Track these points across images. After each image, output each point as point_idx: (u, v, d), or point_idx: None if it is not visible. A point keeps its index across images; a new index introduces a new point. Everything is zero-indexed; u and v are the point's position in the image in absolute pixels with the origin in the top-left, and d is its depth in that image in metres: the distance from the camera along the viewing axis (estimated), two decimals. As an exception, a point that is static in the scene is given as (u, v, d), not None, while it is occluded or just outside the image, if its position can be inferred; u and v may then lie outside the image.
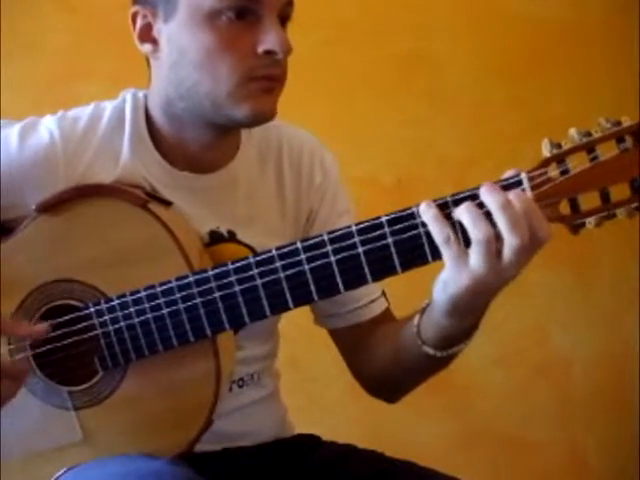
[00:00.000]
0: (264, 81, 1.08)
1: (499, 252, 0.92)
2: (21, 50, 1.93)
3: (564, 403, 2.18)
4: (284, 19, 1.10)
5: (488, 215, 0.92)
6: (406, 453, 1.22)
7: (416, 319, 1.06)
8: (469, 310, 0.99)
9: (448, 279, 0.95)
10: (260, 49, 1.06)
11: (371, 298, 1.22)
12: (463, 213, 0.92)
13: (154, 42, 1.11)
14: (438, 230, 0.93)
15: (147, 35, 1.11)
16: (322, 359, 1.96)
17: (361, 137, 2.03)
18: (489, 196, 0.92)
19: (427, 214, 0.94)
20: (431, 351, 1.05)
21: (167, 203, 1.11)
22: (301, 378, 1.88)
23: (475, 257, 0.92)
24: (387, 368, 1.18)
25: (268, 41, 1.06)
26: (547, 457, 2.16)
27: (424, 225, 0.95)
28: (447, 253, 0.94)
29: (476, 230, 0.91)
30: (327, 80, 2.01)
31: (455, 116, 2.10)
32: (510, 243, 0.90)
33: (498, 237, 0.91)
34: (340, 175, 1.26)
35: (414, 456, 1.21)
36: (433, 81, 2.11)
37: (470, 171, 2.09)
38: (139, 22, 1.11)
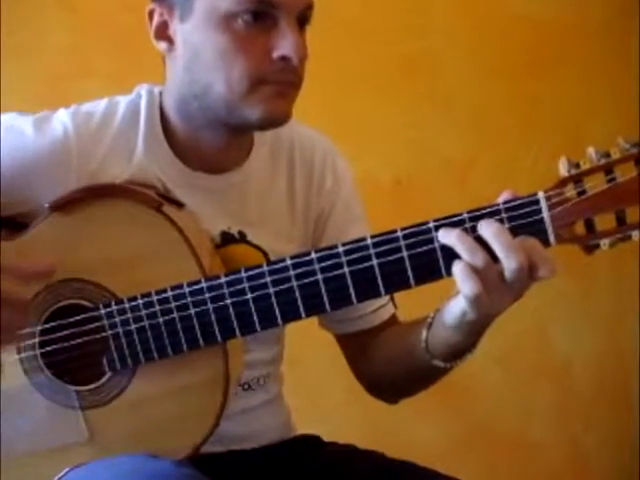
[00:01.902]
0: (277, 85, 1.07)
1: (502, 276, 0.92)
2: (21, 50, 1.92)
3: (564, 403, 2.19)
4: (303, 21, 1.10)
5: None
6: (406, 453, 1.21)
7: (423, 334, 1.06)
8: (480, 327, 1.00)
9: (468, 312, 0.96)
10: (275, 54, 1.06)
11: (380, 304, 1.22)
12: (457, 244, 0.93)
13: (170, 41, 1.11)
14: (468, 287, 0.93)
15: (163, 33, 1.11)
16: (323, 360, 1.96)
17: (361, 137, 2.02)
18: (484, 227, 0.93)
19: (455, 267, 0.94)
20: (441, 364, 1.05)
21: (180, 205, 1.11)
22: (302, 379, 1.87)
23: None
24: (392, 373, 1.18)
25: (283, 47, 1.05)
26: (547, 457, 2.17)
27: (439, 240, 0.95)
28: (472, 303, 0.94)
29: (476, 259, 0.92)
30: (327, 80, 2.00)
31: (455, 116, 2.11)
32: (508, 267, 0.91)
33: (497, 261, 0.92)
34: (353, 181, 1.26)
35: (414, 456, 1.21)
36: (433, 81, 2.11)
37: (470, 171, 2.09)
38: (156, 20, 1.11)
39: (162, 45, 1.12)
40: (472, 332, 1.00)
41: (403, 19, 2.09)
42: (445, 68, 2.11)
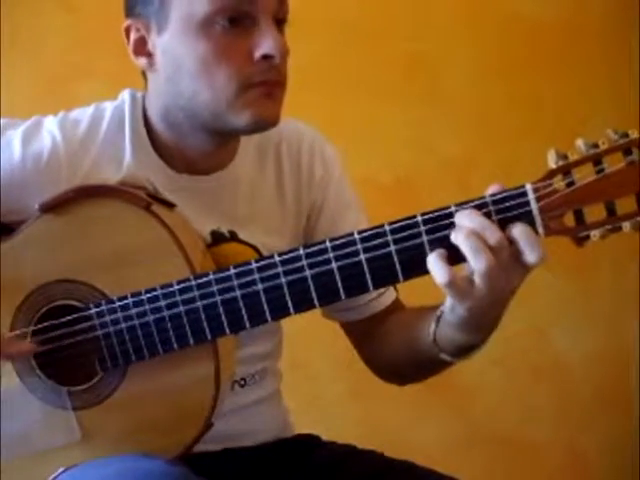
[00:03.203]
0: (263, 86, 1.07)
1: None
2: (21, 50, 1.92)
3: (564, 403, 2.18)
4: (280, 21, 1.09)
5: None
6: (405, 453, 1.22)
7: (432, 328, 1.05)
8: (481, 326, 1.00)
9: (455, 309, 0.96)
10: (257, 54, 1.05)
11: (382, 290, 1.21)
12: (463, 245, 0.92)
13: (149, 55, 1.10)
14: (439, 275, 0.93)
15: (142, 49, 1.10)
16: (322, 359, 1.96)
17: (361, 137, 2.02)
18: (459, 215, 0.93)
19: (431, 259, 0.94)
20: (448, 358, 1.05)
21: (170, 205, 1.11)
22: (301, 378, 1.88)
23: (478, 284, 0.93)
24: (400, 359, 1.18)
25: (264, 46, 1.05)
26: (546, 457, 2.16)
27: (427, 234, 0.95)
28: (448, 292, 0.95)
29: (477, 261, 0.91)
30: (327, 80, 2.01)
31: (455, 116, 2.10)
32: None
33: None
34: (342, 167, 1.26)
35: (413, 456, 1.21)
36: (433, 81, 2.11)
37: (470, 171, 2.09)
38: (133, 36, 1.10)
39: (142, 61, 1.11)
40: (471, 329, 0.99)
41: (403, 20, 2.08)
42: (445, 68, 2.11)
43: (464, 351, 1.04)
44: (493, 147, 2.11)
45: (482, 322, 0.99)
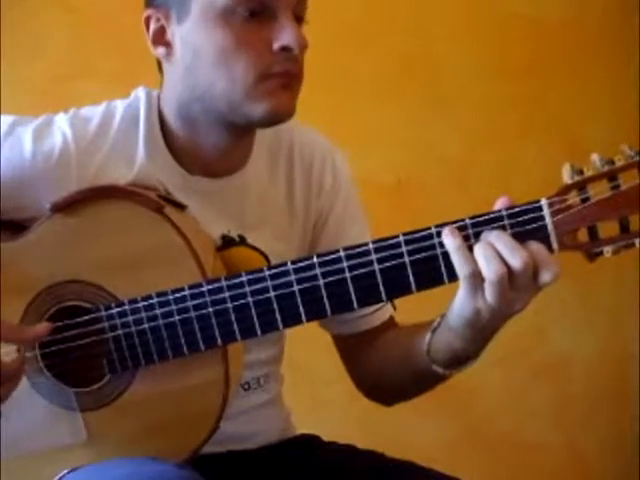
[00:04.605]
0: (281, 77, 1.07)
1: (510, 285, 0.93)
2: (21, 49, 1.92)
3: (564, 403, 2.18)
4: (299, 18, 1.09)
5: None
6: (406, 453, 1.21)
7: (427, 338, 1.06)
8: (482, 334, 1.00)
9: (464, 306, 0.96)
10: (276, 45, 1.06)
11: (379, 305, 1.21)
12: (477, 252, 0.93)
13: (168, 45, 1.10)
14: (461, 263, 0.94)
15: (161, 38, 1.10)
16: (323, 360, 1.95)
17: (361, 137, 2.02)
18: (486, 233, 0.94)
19: (451, 244, 0.94)
20: (440, 370, 1.05)
21: (181, 206, 1.11)
22: (302, 379, 1.87)
23: (489, 292, 0.93)
24: (390, 375, 1.18)
25: (284, 37, 1.05)
26: (547, 457, 2.17)
27: (442, 246, 0.95)
28: (465, 285, 0.95)
29: (490, 270, 0.92)
30: (327, 80, 2.00)
31: (455, 116, 2.10)
32: (514, 266, 0.91)
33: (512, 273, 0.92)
34: (351, 177, 1.26)
35: (414, 456, 1.21)
36: (433, 81, 2.11)
37: (470, 171, 2.09)
38: (152, 25, 1.10)
39: (160, 51, 1.11)
40: (475, 337, 1.00)
41: (403, 19, 2.08)
42: (445, 68, 2.11)
43: (457, 362, 1.04)
44: (493, 147, 2.11)
45: (483, 331, 0.99)
